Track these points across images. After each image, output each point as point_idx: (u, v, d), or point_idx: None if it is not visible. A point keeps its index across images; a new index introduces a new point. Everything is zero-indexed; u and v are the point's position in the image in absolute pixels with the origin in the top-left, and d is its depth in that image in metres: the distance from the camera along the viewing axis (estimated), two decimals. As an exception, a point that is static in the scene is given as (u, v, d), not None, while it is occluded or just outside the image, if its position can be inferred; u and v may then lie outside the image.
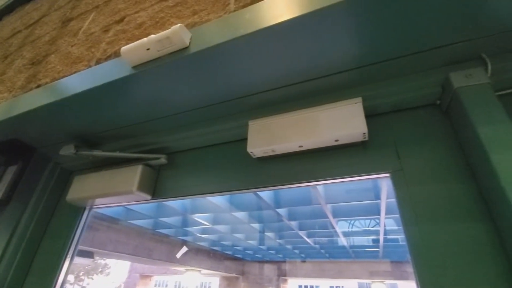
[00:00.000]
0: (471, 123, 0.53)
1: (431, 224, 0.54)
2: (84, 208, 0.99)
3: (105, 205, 0.96)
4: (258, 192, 3.19)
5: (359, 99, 0.64)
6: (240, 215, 4.33)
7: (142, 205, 4.23)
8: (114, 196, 0.84)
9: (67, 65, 0.85)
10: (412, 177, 0.59)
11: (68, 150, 0.86)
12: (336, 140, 0.64)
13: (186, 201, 4.07)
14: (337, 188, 3.24)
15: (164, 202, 3.94)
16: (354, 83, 0.66)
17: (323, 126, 0.64)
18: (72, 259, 0.94)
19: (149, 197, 0.85)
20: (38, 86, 0.87)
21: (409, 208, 0.57)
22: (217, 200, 3.64)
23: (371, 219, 4.49)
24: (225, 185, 0.78)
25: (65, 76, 0.81)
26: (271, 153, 0.70)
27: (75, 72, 0.80)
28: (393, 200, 3.16)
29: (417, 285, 0.52)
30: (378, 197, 3.13)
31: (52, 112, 0.79)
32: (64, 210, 1.01)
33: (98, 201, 0.91)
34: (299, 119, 0.68)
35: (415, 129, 0.64)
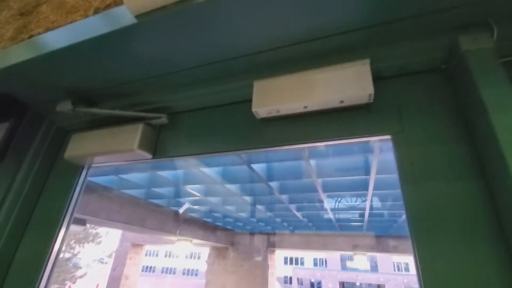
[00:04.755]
0: (475, 86, 0.54)
1: (429, 183, 0.56)
2: (82, 168, 0.98)
3: (104, 164, 0.95)
4: (252, 165, 3.23)
5: (367, 61, 0.64)
6: (232, 187, 4.41)
7: (135, 175, 4.24)
8: (114, 154, 0.84)
9: (61, 15, 0.80)
10: (412, 138, 0.61)
11: (65, 107, 0.84)
12: (341, 101, 0.65)
13: (179, 172, 4.10)
14: (328, 162, 3.31)
15: (157, 172, 3.96)
16: (361, 45, 0.65)
17: (329, 86, 0.64)
18: (72, 216, 0.95)
19: (150, 156, 0.85)
20: (31, 37, 0.82)
21: (408, 168, 0.59)
22: (210, 171, 3.67)
23: (358, 194, 4.67)
24: (227, 145, 0.78)
25: (60, 26, 0.76)
26: (275, 114, 0.71)
27: (70, 22, 0.75)
28: (381, 176, 3.28)
29: (412, 244, 0.54)
30: (368, 173, 3.22)
31: (46, 65, 0.76)
32: (60, 169, 1.01)
33: (97, 159, 0.90)
34: (305, 80, 0.68)
35: (419, 93, 0.65)
